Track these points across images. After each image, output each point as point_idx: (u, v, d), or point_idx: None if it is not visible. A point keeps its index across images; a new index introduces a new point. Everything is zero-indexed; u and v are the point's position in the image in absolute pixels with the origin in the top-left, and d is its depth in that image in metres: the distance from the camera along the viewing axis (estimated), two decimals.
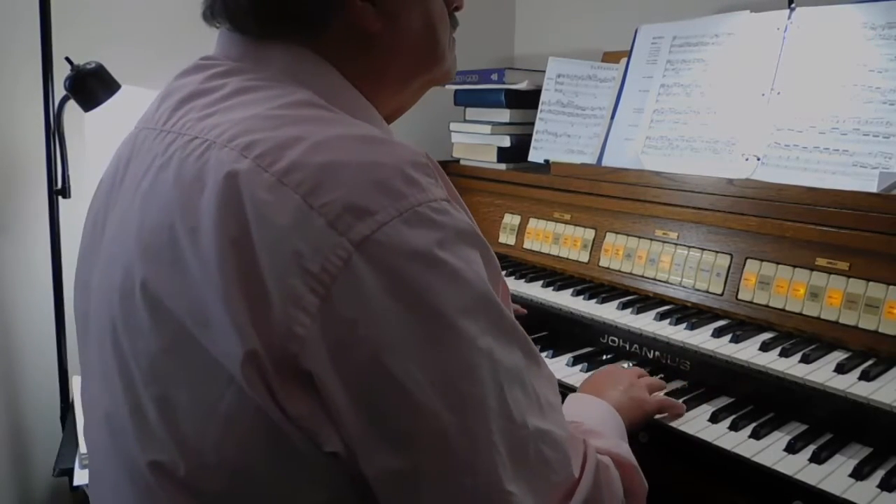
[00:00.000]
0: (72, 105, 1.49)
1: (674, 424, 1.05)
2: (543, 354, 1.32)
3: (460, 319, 0.56)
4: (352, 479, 0.57)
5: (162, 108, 0.71)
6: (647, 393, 1.05)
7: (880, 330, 1.08)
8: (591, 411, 0.91)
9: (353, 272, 0.54)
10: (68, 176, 1.55)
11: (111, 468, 0.68)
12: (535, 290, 1.48)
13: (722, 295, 1.29)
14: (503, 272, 1.59)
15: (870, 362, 1.05)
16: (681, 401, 1.10)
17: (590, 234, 1.54)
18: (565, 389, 1.19)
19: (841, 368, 1.03)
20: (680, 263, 1.36)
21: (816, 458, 0.95)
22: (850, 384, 1.00)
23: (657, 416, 1.06)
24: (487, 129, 1.88)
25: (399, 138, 0.64)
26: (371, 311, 0.54)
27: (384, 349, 0.54)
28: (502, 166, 1.87)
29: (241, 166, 0.57)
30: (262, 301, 0.54)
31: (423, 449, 0.56)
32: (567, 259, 1.58)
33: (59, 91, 1.50)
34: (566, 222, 1.60)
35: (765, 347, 1.12)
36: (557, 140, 1.79)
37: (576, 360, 1.29)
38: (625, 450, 0.80)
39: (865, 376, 1.01)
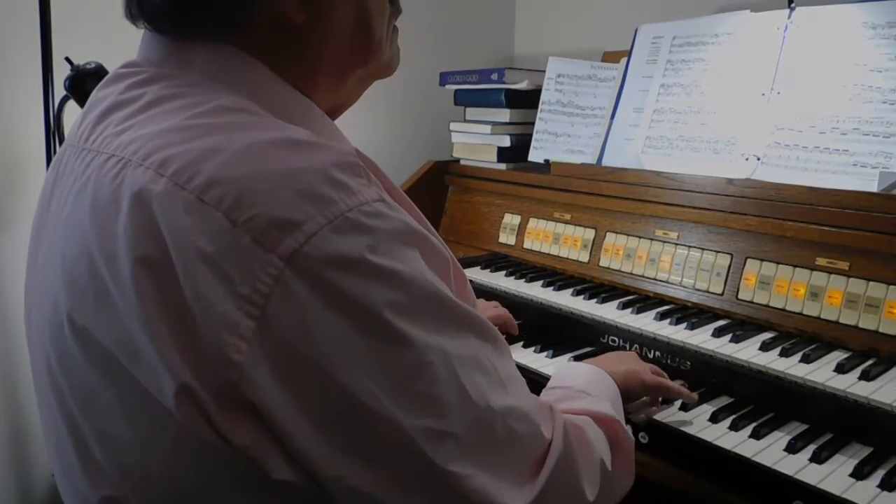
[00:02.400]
0: (72, 105, 1.49)
1: (674, 424, 1.05)
2: (543, 354, 1.33)
3: (403, 322, 0.55)
4: (305, 502, 0.56)
5: (84, 123, 0.68)
6: (648, 370, 1.05)
7: (880, 330, 1.08)
8: (578, 375, 0.91)
9: (287, 289, 0.52)
10: None
11: (70, 498, 0.67)
12: (536, 290, 1.48)
13: (722, 295, 1.29)
14: (503, 272, 1.61)
15: (870, 362, 1.05)
16: (681, 401, 1.10)
17: (590, 234, 1.54)
18: None
19: (841, 368, 1.03)
20: (680, 263, 1.36)
21: (817, 458, 0.95)
22: (850, 384, 1.00)
23: (660, 417, 1.06)
24: (487, 128, 1.88)
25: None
26: (311, 328, 0.52)
27: (331, 366, 0.52)
28: (502, 166, 1.87)
29: (157, 187, 0.55)
30: (189, 331, 0.52)
31: (389, 458, 0.55)
32: (567, 259, 1.58)
33: (59, 91, 1.50)
34: (566, 222, 1.60)
35: (765, 347, 1.12)
36: (557, 140, 1.79)
37: (576, 360, 1.29)
38: (605, 407, 0.80)
39: (865, 376, 1.01)
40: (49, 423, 0.67)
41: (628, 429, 0.82)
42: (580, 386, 0.86)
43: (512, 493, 0.60)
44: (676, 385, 1.08)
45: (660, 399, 1.09)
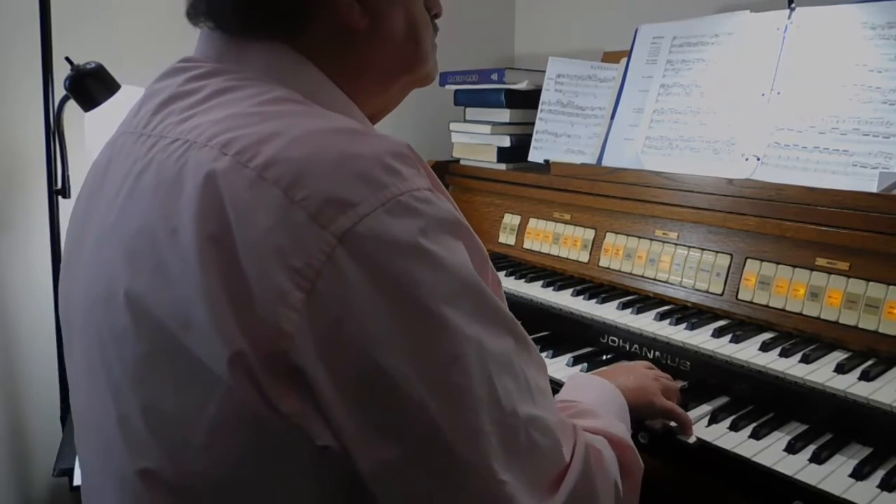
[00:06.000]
0: (72, 105, 1.49)
1: (674, 424, 1.05)
2: (543, 354, 1.32)
3: (446, 308, 0.56)
4: (343, 472, 0.57)
5: (142, 112, 0.71)
6: (659, 391, 1.03)
7: (880, 330, 1.08)
8: (590, 391, 0.91)
9: (337, 266, 0.54)
10: (68, 176, 1.55)
11: (99, 475, 0.68)
12: (536, 290, 1.48)
13: (722, 295, 1.29)
14: (503, 272, 1.61)
15: (870, 362, 1.05)
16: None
17: (590, 234, 1.54)
18: None
19: (841, 368, 1.03)
20: (680, 263, 1.36)
21: (816, 459, 0.95)
22: (850, 384, 1.00)
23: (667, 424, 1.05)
24: (487, 129, 1.88)
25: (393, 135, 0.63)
26: (356, 305, 0.54)
27: (371, 344, 0.54)
28: (502, 166, 1.87)
29: (220, 164, 0.57)
30: (245, 300, 0.54)
31: (414, 440, 0.56)
32: (567, 259, 1.58)
33: (59, 91, 1.50)
34: (566, 222, 1.60)
35: (765, 347, 1.12)
36: (557, 140, 1.79)
37: (576, 361, 1.29)
38: (620, 430, 0.80)
39: (865, 376, 1.01)
40: (89, 398, 0.68)
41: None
42: (593, 403, 0.86)
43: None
44: (685, 415, 1.04)
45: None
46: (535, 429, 0.62)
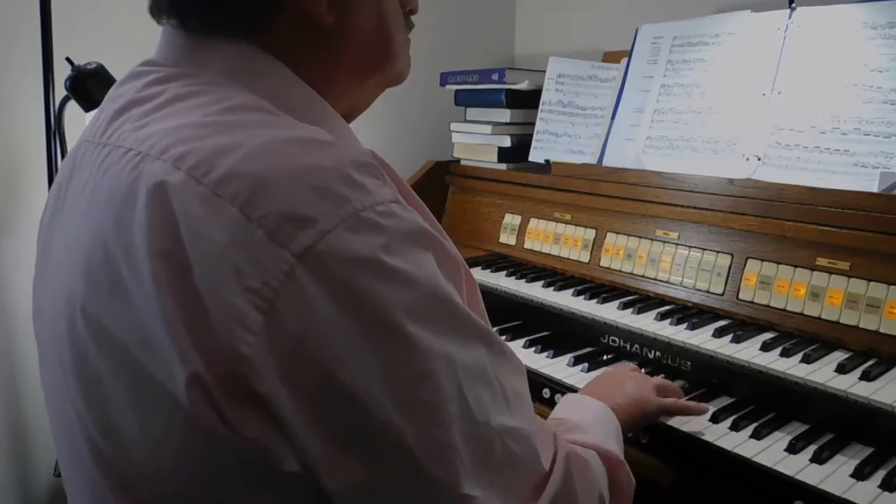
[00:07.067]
0: (72, 105, 1.49)
1: (674, 425, 1.05)
2: (544, 355, 1.33)
3: (412, 326, 0.54)
4: (313, 493, 0.55)
5: (100, 119, 0.69)
6: (652, 393, 1.03)
7: (881, 330, 1.08)
8: (581, 410, 0.90)
9: (297, 285, 0.51)
10: None
11: (77, 492, 0.67)
12: (536, 291, 1.48)
13: (723, 295, 1.29)
14: (503, 272, 1.60)
15: (871, 362, 1.05)
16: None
17: (590, 234, 1.54)
18: (566, 389, 1.19)
19: (842, 368, 1.03)
20: (681, 263, 1.36)
21: (817, 459, 0.95)
22: (850, 384, 1.00)
23: (666, 420, 1.05)
24: (488, 129, 1.88)
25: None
26: (318, 325, 0.52)
27: (335, 364, 0.52)
28: (503, 166, 1.87)
29: (174, 179, 0.55)
30: (201, 322, 0.52)
31: (383, 460, 0.54)
32: (568, 259, 1.58)
33: (60, 91, 1.50)
34: (567, 222, 1.60)
35: (766, 347, 1.12)
36: (558, 140, 1.79)
37: (576, 361, 1.29)
38: (613, 446, 0.79)
39: (866, 376, 1.01)
40: (60, 419, 0.67)
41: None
42: (586, 421, 0.86)
43: None
44: (682, 403, 1.05)
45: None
46: (510, 439, 0.61)
